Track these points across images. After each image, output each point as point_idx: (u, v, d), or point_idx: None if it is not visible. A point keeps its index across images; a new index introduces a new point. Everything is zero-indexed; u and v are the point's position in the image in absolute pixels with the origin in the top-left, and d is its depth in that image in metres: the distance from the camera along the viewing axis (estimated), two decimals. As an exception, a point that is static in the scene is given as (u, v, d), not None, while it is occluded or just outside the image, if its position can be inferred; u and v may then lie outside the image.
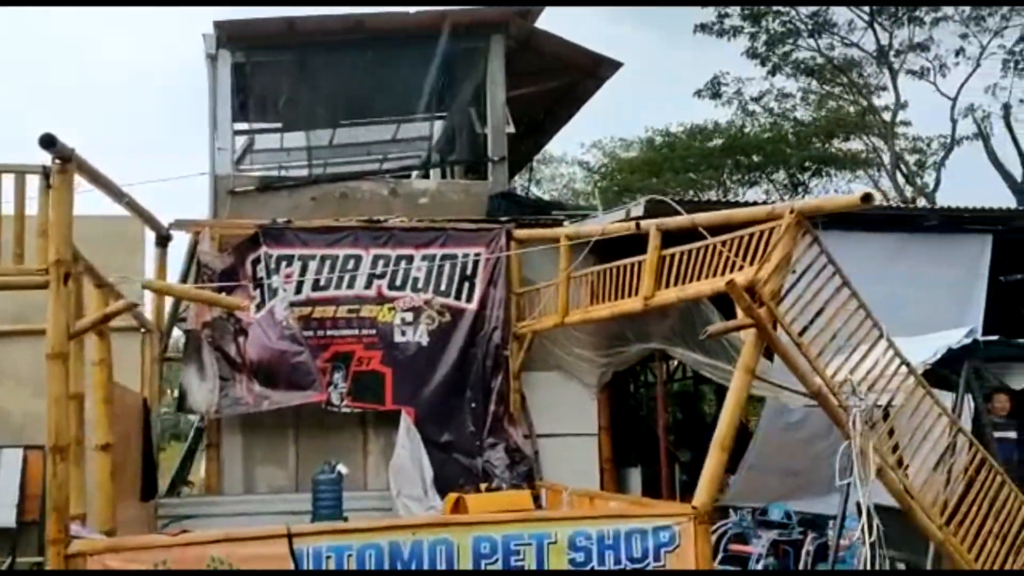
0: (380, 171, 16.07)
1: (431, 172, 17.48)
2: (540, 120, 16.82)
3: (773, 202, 15.13)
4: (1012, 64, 22.40)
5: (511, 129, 13.41)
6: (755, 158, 32.63)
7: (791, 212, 6.61)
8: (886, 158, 29.85)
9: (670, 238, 7.97)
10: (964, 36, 25.38)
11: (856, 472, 6.32)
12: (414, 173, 17.45)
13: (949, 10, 25.35)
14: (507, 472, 9.74)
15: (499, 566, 5.91)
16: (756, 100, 29.51)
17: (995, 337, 7.67)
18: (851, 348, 6.84)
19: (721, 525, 9.61)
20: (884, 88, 28.62)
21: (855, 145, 31.05)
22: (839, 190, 31.60)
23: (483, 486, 9.64)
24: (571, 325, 9.40)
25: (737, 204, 11.28)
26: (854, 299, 6.78)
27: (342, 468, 9.32)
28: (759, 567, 9.25)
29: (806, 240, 6.70)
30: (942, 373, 7.79)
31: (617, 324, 9.32)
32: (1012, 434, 10.05)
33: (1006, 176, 23.72)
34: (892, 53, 27.02)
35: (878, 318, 6.87)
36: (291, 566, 5.72)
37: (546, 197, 35.40)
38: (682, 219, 7.79)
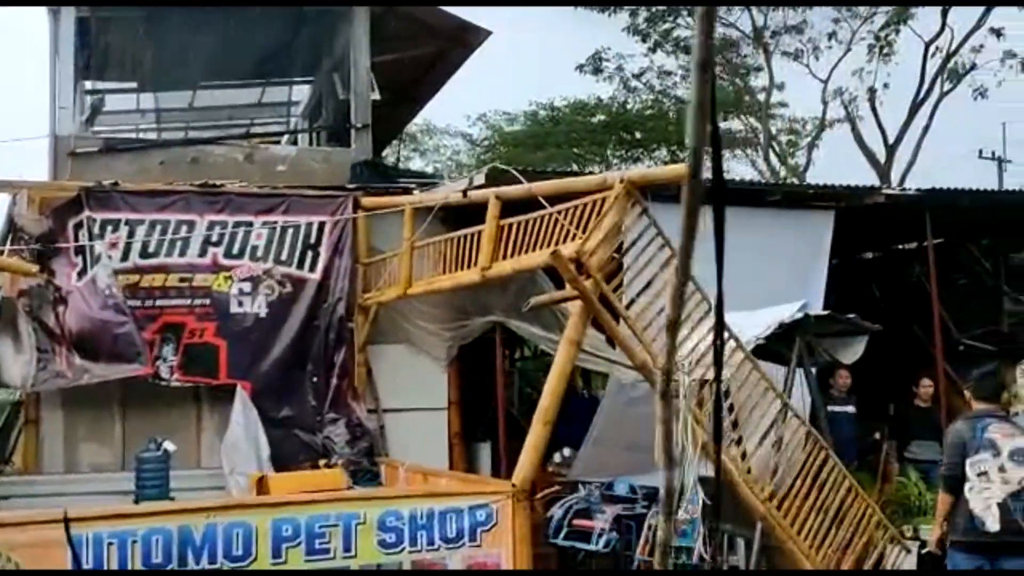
0: (245, 135, 15.49)
1: (298, 139, 16.94)
2: (412, 88, 16.41)
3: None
4: (878, 49, 23.00)
5: (376, 96, 12.97)
6: (637, 135, 32.97)
7: (621, 182, 6.43)
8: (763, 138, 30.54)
9: (517, 209, 7.74)
10: (836, 20, 26.07)
11: (682, 447, 6.22)
12: (284, 139, 16.87)
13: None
14: (347, 448, 9.38)
15: (303, 549, 5.58)
16: (637, 77, 29.68)
17: (825, 312, 7.70)
18: (683, 323, 6.75)
19: (566, 500, 9.52)
20: (760, 69, 29.23)
21: (735, 125, 31.61)
22: (731, 169, 32.19)
23: (322, 463, 9.28)
24: (415, 297, 9.08)
25: (574, 174, 11.11)
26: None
27: (168, 445, 8.78)
28: (601, 542, 9.19)
29: (636, 211, 6.54)
30: (775, 348, 7.81)
31: (460, 297, 9.06)
32: (850, 408, 10.29)
33: (871, 158, 24.49)
34: (768, 34, 27.57)
35: (708, 292, 6.78)
36: (68, 553, 5.26)
37: (429, 169, 35.04)
38: (519, 188, 7.54)
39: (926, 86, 23.35)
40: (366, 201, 10.04)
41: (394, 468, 8.78)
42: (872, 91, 23.41)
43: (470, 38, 14.14)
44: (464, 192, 7.69)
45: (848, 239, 9.94)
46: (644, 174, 6.71)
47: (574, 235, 6.69)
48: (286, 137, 17.28)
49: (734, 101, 29.18)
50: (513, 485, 6.01)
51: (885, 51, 22.62)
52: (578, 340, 6.23)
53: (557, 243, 6.86)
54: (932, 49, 23.89)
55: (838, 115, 26.89)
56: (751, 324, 7.72)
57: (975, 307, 13.90)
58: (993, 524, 5.84)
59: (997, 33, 23.50)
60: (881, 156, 24.53)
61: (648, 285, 6.54)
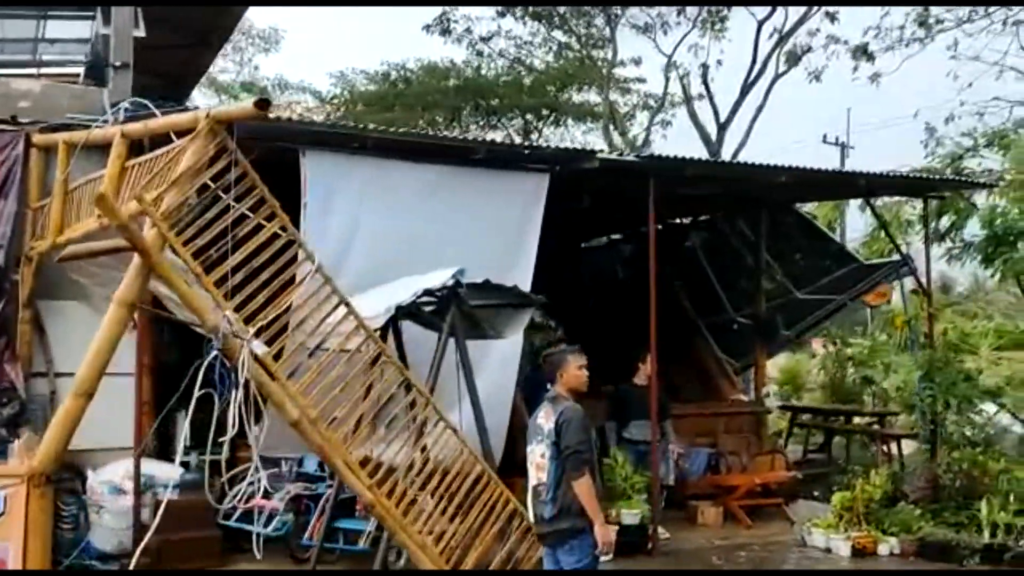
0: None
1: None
2: (210, 32, 15.28)
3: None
4: (710, 25, 22.70)
5: (140, 32, 11.82)
6: (492, 102, 32.16)
7: (206, 118, 5.57)
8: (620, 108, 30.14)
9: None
10: (685, -5, 25.67)
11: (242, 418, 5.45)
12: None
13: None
14: (-11, 415, 8.33)
15: None
16: (485, 40, 28.81)
17: (481, 280, 7.02)
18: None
19: (250, 479, 8.70)
20: (611, 40, 28.71)
21: (594, 97, 31.08)
22: (575, 141, 31.68)
23: (-41, 431, 8.21)
24: (61, 247, 8.06)
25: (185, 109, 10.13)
26: (284, 229, 5.87)
27: None
28: (272, 525, 8.43)
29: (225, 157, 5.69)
30: (430, 319, 7.13)
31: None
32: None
33: (704, 137, 24.30)
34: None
35: (313, 251, 6.03)
36: None
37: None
38: (140, 126, 6.61)
39: (758, 66, 23.18)
40: (39, 139, 8.92)
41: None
42: (704, 67, 23.16)
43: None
44: (13, 118, 6.71)
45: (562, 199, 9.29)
46: (226, 111, 5.84)
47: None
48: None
49: (579, 72, 28.64)
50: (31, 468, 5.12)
51: (717, 27, 22.30)
52: (132, 301, 5.37)
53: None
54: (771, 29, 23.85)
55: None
56: (409, 291, 7.02)
57: (743, 285, 13.69)
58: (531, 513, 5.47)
59: (831, 17, 23.50)
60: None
61: (236, 241, 5.70)
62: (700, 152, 24.56)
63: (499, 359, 8.70)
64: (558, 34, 28.87)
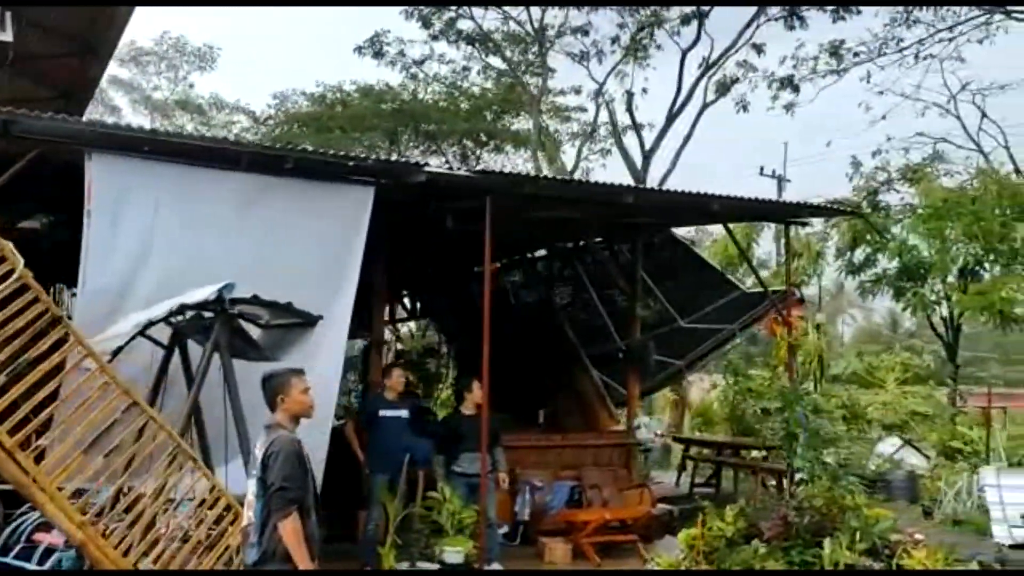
0: None
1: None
2: (97, 41, 14.84)
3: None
4: (633, 52, 22.53)
5: (6, 37, 11.36)
6: (429, 126, 31.89)
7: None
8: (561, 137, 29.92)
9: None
10: (620, 25, 25.46)
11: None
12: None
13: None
14: None
15: None
16: (419, 64, 28.55)
17: (248, 295, 6.51)
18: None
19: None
20: (552, 69, 28.55)
21: (523, 124, 30.88)
22: (516, 167, 31.40)
23: None
24: None
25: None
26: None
27: None
28: (48, 562, 7.77)
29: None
30: (193, 335, 6.62)
31: None
32: (403, 413, 9.23)
33: (629, 163, 24.08)
34: (554, 33, 26.86)
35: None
36: None
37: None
38: None
39: (683, 95, 23.01)
40: None
41: None
42: (629, 95, 22.96)
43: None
44: None
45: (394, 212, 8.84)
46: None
47: None
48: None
49: (515, 98, 28.41)
50: None
51: (640, 54, 22.12)
52: None
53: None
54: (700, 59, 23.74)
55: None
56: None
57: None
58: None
59: (758, 49, 23.45)
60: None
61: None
62: (626, 180, 24.35)
63: (320, 383, 8.14)
64: (495, 60, 28.68)
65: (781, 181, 30.99)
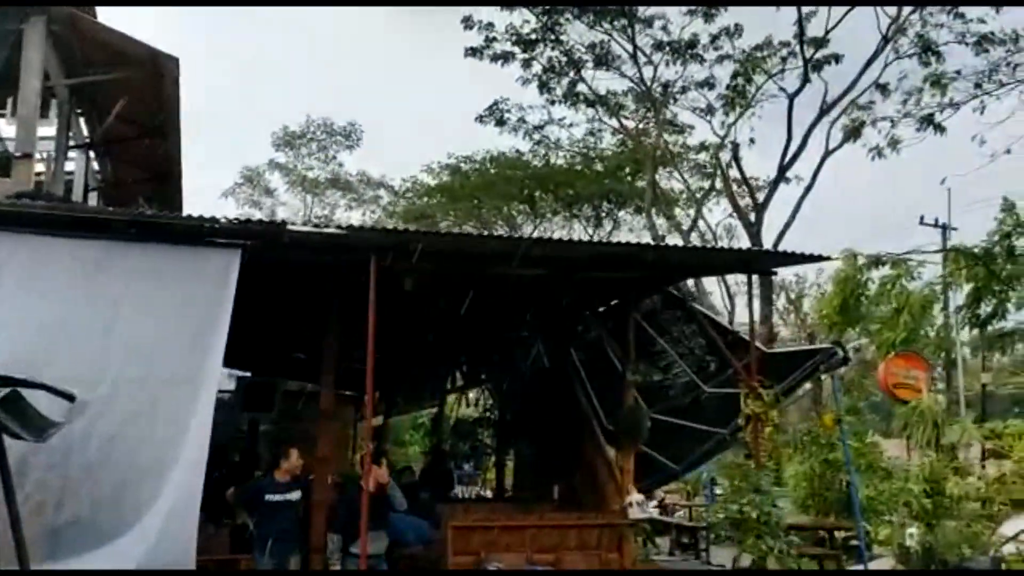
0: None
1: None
2: (153, 122, 15.80)
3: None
4: (730, 101, 21.06)
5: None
6: (568, 191, 31.60)
7: None
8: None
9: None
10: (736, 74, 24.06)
11: None
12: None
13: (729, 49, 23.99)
14: None
15: None
16: (539, 128, 28.31)
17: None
18: None
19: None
20: (691, 126, 27.36)
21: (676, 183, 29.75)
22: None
23: None
24: None
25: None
26: None
27: None
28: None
29: None
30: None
31: None
32: (293, 496, 8.61)
33: (741, 216, 22.43)
34: (677, 90, 25.75)
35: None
36: None
37: (361, 219, 34.20)
38: None
39: (796, 143, 21.25)
40: None
41: None
42: (735, 146, 21.47)
43: (161, 64, 13.48)
44: None
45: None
46: None
47: None
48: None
49: (637, 158, 27.44)
50: None
51: (740, 102, 20.66)
52: None
53: None
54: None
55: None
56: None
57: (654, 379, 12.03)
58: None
59: (882, 89, 21.35)
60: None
61: None
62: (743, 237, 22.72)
63: (186, 463, 7.71)
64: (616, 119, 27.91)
65: (946, 230, 27.82)
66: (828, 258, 9.74)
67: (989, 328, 16.55)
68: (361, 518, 8.36)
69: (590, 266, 9.11)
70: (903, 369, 18.13)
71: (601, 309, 12.27)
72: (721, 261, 9.70)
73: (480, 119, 27.92)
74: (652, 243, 8.16)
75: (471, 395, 17.55)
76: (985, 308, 16.74)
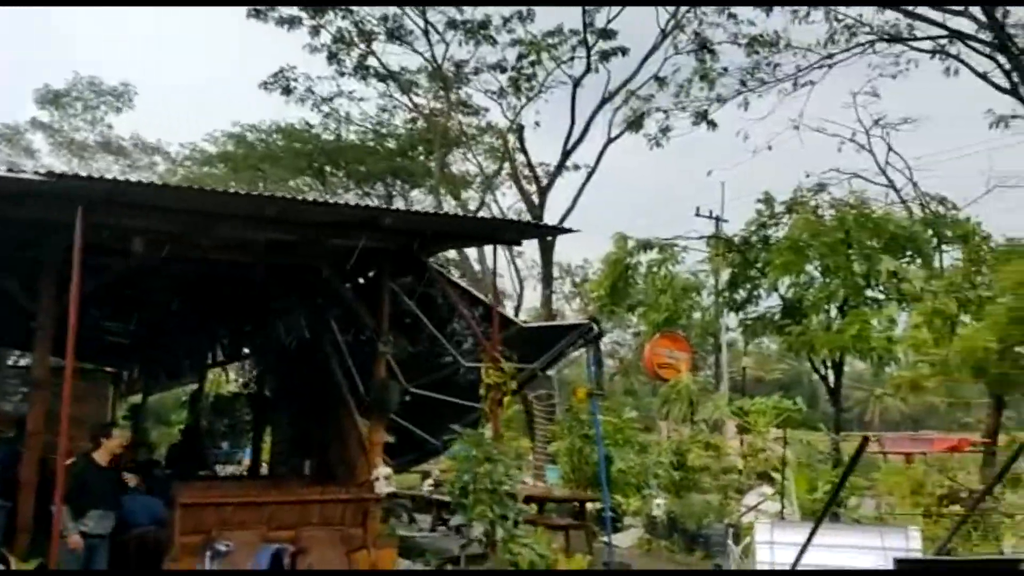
0: None
1: None
2: None
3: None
4: (514, 84, 21.22)
5: None
6: (360, 168, 30.90)
7: None
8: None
9: None
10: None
11: None
12: None
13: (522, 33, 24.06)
14: None
15: None
16: (327, 100, 27.48)
17: None
18: None
19: None
20: (471, 105, 27.36)
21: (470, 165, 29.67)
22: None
23: None
24: None
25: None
26: None
27: None
28: None
29: None
30: None
31: None
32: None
33: (526, 197, 22.73)
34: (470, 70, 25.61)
35: None
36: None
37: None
38: None
39: (579, 127, 21.69)
40: None
41: None
42: (520, 129, 21.64)
43: None
44: None
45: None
46: None
47: None
48: None
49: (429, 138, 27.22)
50: None
51: (526, 86, 20.83)
52: None
53: None
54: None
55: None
56: None
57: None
58: None
59: (661, 81, 22.12)
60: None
61: None
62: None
63: None
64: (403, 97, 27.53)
65: (719, 221, 29.35)
66: (569, 230, 9.86)
67: (742, 314, 17.55)
68: (88, 495, 7.71)
69: (335, 232, 8.74)
70: (667, 349, 18.98)
71: (362, 281, 11.91)
72: (467, 230, 9.56)
73: (265, 86, 26.79)
74: (389, 207, 7.86)
75: (233, 371, 16.74)
76: (741, 293, 17.76)
